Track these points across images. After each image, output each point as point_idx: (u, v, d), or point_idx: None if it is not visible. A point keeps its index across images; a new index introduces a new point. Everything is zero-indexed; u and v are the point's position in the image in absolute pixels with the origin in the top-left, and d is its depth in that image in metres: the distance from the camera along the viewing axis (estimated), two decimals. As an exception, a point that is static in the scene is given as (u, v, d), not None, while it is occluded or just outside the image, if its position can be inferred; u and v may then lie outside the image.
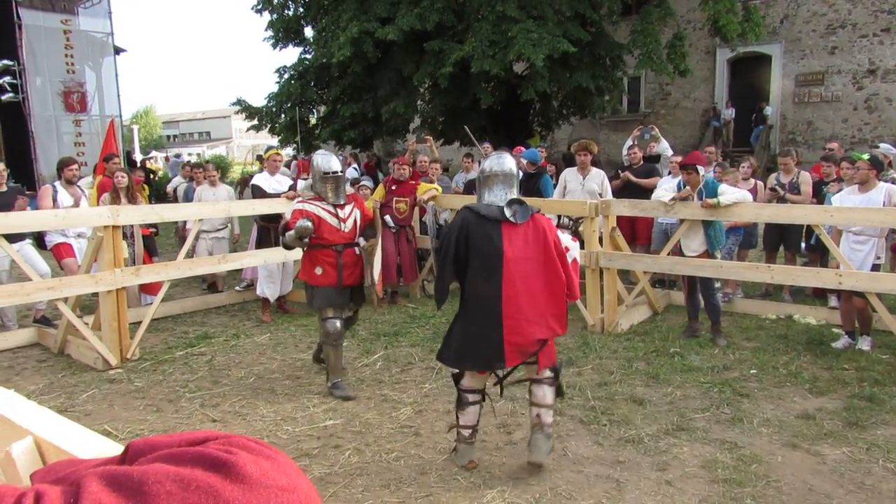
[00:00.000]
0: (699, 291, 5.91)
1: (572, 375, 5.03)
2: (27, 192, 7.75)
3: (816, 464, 3.62)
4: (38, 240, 6.91)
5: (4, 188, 6.38)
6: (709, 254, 5.77)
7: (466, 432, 3.61)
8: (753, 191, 6.94)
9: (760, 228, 7.55)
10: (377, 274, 4.77)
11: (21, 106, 14.38)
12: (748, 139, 19.29)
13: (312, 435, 4.10)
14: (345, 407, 4.53)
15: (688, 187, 5.77)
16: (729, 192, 5.61)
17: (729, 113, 19.72)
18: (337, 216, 4.77)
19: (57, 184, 6.67)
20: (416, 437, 4.03)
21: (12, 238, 5.56)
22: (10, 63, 14.10)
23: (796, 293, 7.23)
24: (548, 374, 3.57)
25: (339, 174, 4.87)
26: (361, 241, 4.94)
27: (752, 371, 5.06)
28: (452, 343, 3.51)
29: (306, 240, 4.65)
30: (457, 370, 3.65)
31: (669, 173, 7.48)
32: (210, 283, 8.05)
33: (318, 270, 4.74)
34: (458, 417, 3.64)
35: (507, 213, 3.41)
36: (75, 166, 6.77)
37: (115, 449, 0.85)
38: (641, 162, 7.92)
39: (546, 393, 3.57)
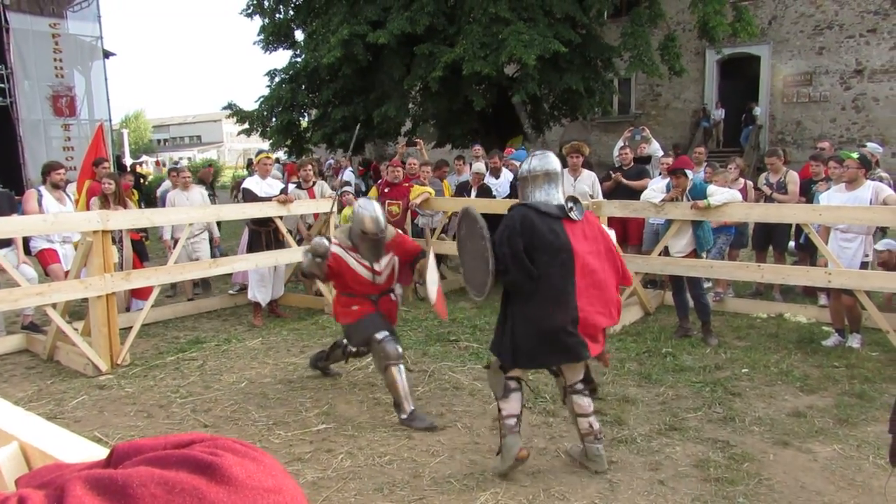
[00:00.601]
0: (687, 291, 5.94)
1: (565, 376, 5.04)
2: (16, 198, 7.69)
3: (808, 461, 3.64)
4: (23, 245, 6.84)
5: (-7, 193, 6.32)
6: (696, 254, 5.80)
7: (511, 421, 3.49)
8: (743, 191, 6.98)
9: (751, 228, 7.60)
10: (434, 294, 3.98)
11: (9, 110, 14.29)
12: (738, 139, 19.43)
13: (305, 439, 4.09)
14: (337, 411, 4.51)
15: (677, 189, 5.82)
16: (718, 193, 5.65)
17: (719, 113, 19.85)
18: (371, 269, 4.42)
19: (42, 188, 6.61)
20: (409, 441, 4.02)
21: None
22: (-2, 67, 14.01)
23: (786, 292, 7.27)
24: (581, 384, 3.56)
25: (380, 238, 4.38)
26: (397, 288, 4.73)
27: (743, 370, 5.09)
28: (521, 345, 3.40)
29: (321, 260, 4.34)
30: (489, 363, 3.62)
31: (660, 174, 7.51)
32: (203, 280, 7.99)
33: (355, 307, 4.42)
34: (500, 409, 3.55)
35: (567, 209, 3.43)
36: (62, 171, 6.72)
37: (101, 453, 0.84)
38: (632, 163, 7.95)
39: (588, 401, 3.56)
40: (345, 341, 4.75)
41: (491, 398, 4.53)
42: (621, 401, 4.53)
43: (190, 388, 5.02)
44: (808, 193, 6.92)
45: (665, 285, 7.58)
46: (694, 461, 3.66)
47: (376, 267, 4.45)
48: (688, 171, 5.86)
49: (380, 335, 4.30)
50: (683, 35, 17.38)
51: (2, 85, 14.12)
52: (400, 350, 4.32)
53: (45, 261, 6.56)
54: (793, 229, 7.19)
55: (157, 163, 34.80)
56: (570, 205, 3.45)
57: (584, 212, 3.53)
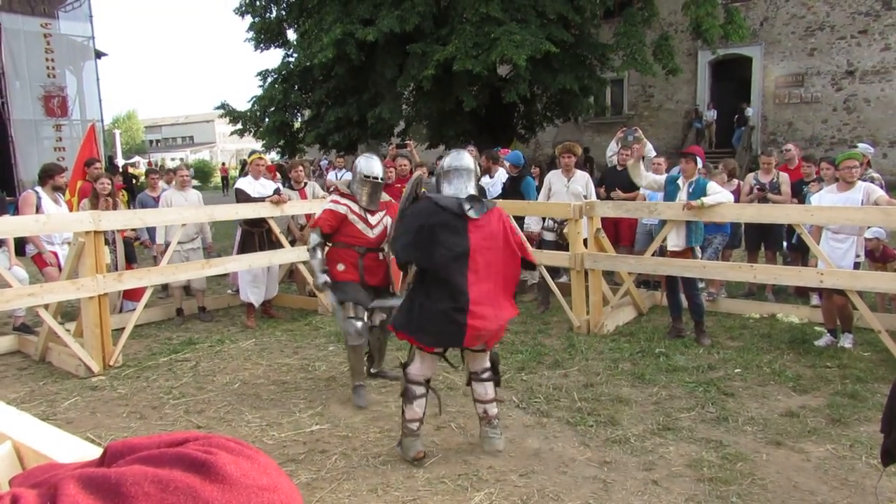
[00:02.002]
0: (681, 291, 5.96)
1: (559, 377, 5.05)
2: (7, 199, 7.65)
3: (801, 461, 3.65)
4: (18, 247, 6.79)
5: (-16, 194, 6.28)
6: (692, 251, 5.81)
7: (414, 426, 3.70)
8: (736, 191, 7.02)
9: (742, 228, 7.63)
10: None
11: (0, 111, 14.19)
12: (730, 140, 19.51)
13: (298, 440, 4.08)
14: (331, 412, 4.51)
15: (685, 173, 5.84)
16: (717, 192, 5.65)
17: (711, 114, 19.93)
18: (366, 220, 4.72)
19: (39, 190, 6.58)
20: (404, 441, 4.01)
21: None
22: (-11, 67, 13.92)
23: (779, 292, 7.30)
24: (487, 371, 3.78)
25: (379, 181, 4.76)
26: (387, 248, 4.86)
27: (736, 370, 5.11)
28: (415, 317, 3.58)
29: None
30: (405, 362, 3.80)
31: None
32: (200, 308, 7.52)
33: (341, 267, 4.71)
34: (404, 413, 3.72)
35: (465, 206, 3.57)
36: (63, 174, 6.70)
37: (94, 453, 0.84)
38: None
39: (487, 389, 3.78)
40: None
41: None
42: (615, 401, 4.54)
43: (183, 390, 5.00)
44: (800, 194, 6.96)
45: (658, 286, 7.61)
46: (687, 461, 3.67)
47: (371, 219, 4.73)
48: (698, 159, 5.88)
49: (349, 311, 4.62)
50: (676, 36, 17.46)
51: (-7, 85, 14.03)
52: (359, 327, 4.60)
53: (42, 263, 6.52)
54: (785, 230, 7.23)
55: (150, 163, 34.66)
56: (467, 205, 3.58)
57: (489, 208, 3.66)
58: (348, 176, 12.95)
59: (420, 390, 3.70)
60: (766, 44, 19.04)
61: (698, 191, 5.66)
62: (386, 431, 4.15)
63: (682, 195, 5.73)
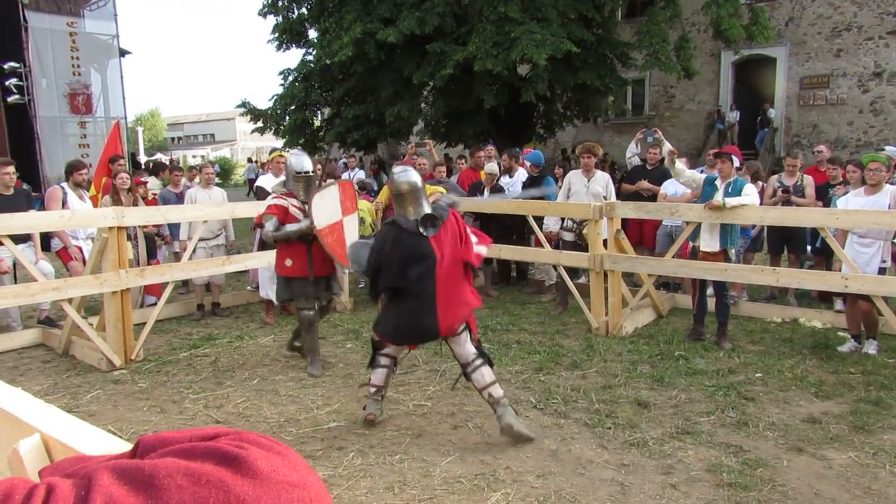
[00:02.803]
0: (711, 293, 5.87)
1: (577, 378, 5.02)
2: (33, 194, 7.77)
3: (822, 468, 3.60)
4: (44, 242, 6.91)
5: (11, 191, 6.38)
6: (724, 252, 5.70)
7: (373, 389, 4.18)
8: (759, 194, 6.92)
9: (765, 231, 7.53)
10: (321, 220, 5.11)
11: (27, 108, 14.44)
12: (753, 142, 19.27)
13: (316, 437, 4.10)
14: (348, 409, 4.53)
15: (721, 174, 5.73)
16: (750, 194, 5.56)
17: (734, 116, 19.69)
18: (305, 212, 5.09)
19: (65, 185, 6.69)
20: (420, 440, 4.02)
21: (16, 239, 5.57)
22: (17, 65, 14.16)
23: (801, 296, 7.20)
24: (476, 357, 3.99)
25: (311, 174, 5.26)
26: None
27: (757, 374, 5.04)
28: (392, 322, 4.02)
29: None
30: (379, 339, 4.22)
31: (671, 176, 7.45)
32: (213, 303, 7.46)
33: (289, 262, 5.09)
34: (371, 377, 4.22)
35: (422, 230, 3.89)
36: (85, 170, 6.82)
37: (121, 446, 0.85)
38: (658, 163, 7.87)
39: (483, 374, 3.96)
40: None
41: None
42: (633, 403, 4.50)
43: (202, 384, 5.05)
44: (825, 197, 6.86)
45: (678, 288, 7.54)
46: (707, 465, 3.63)
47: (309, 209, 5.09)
48: (735, 158, 5.77)
49: (301, 303, 5.17)
50: (698, 36, 17.28)
51: (20, 83, 14.27)
52: (313, 316, 5.23)
53: (66, 258, 6.63)
54: (809, 233, 7.12)
55: (171, 160, 35.03)
56: (422, 227, 3.89)
57: (446, 218, 3.97)
58: (361, 174, 13.00)
59: (385, 360, 4.21)
60: (791, 44, 18.77)
61: (735, 191, 5.57)
62: (403, 430, 4.16)
63: (719, 196, 5.62)
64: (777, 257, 7.38)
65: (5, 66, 14.07)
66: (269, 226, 4.98)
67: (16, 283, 6.30)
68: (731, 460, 3.68)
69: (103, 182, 7.48)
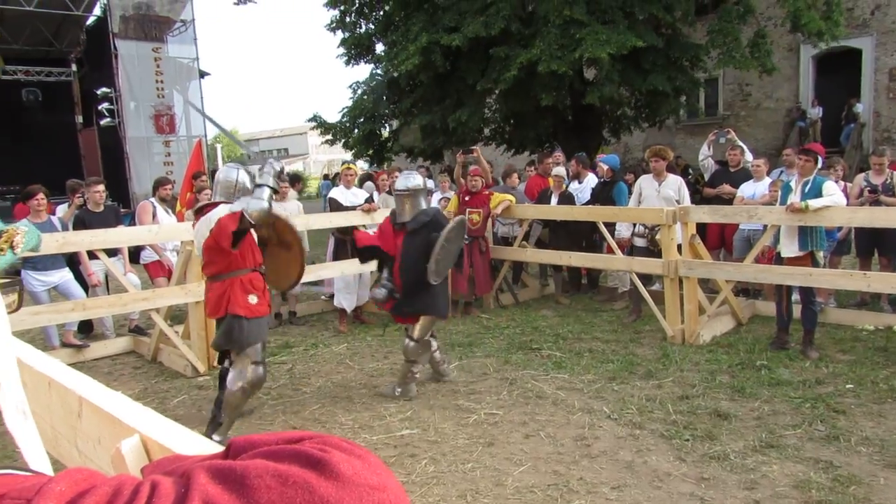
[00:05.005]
0: (792, 299, 5.59)
1: (652, 388, 4.89)
2: (122, 210, 8.28)
3: (924, 486, 3.36)
4: (132, 255, 7.33)
5: (102, 208, 6.82)
6: (810, 255, 5.41)
7: (417, 372, 5.00)
8: (843, 193, 6.54)
9: (852, 233, 7.12)
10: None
11: (117, 129, 15.40)
12: (838, 139, 18.27)
13: (389, 443, 4.16)
14: (421, 417, 4.57)
15: (803, 171, 5.44)
16: (832, 193, 5.27)
17: (816, 112, 18.73)
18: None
19: (154, 200, 7.10)
20: (491, 448, 4.01)
21: (107, 253, 5.97)
22: (108, 90, 15.14)
23: (896, 302, 6.76)
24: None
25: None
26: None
27: (847, 386, 4.76)
28: (446, 299, 5.10)
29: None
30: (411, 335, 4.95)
31: (752, 178, 7.17)
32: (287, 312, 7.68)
33: (253, 299, 4.04)
34: (413, 366, 4.93)
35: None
36: (170, 186, 7.22)
37: (211, 447, 0.90)
38: (740, 165, 7.60)
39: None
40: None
41: (575, 409, 4.51)
42: (713, 415, 4.34)
43: (280, 391, 5.22)
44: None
45: (759, 295, 7.23)
46: (793, 481, 3.46)
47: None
48: (819, 158, 5.48)
49: (257, 355, 4.17)
50: (775, 31, 16.53)
51: (111, 106, 15.24)
52: (262, 373, 4.23)
53: (155, 273, 7.02)
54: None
55: (249, 175, 36.32)
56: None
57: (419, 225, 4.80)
58: (431, 184, 13.11)
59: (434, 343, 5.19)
60: (878, 34, 17.70)
61: (813, 191, 5.28)
62: (475, 438, 4.16)
63: (796, 197, 5.36)
64: (867, 260, 6.95)
65: (98, 92, 15.07)
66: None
67: (108, 294, 6.71)
68: (821, 476, 3.49)
69: (188, 197, 7.88)
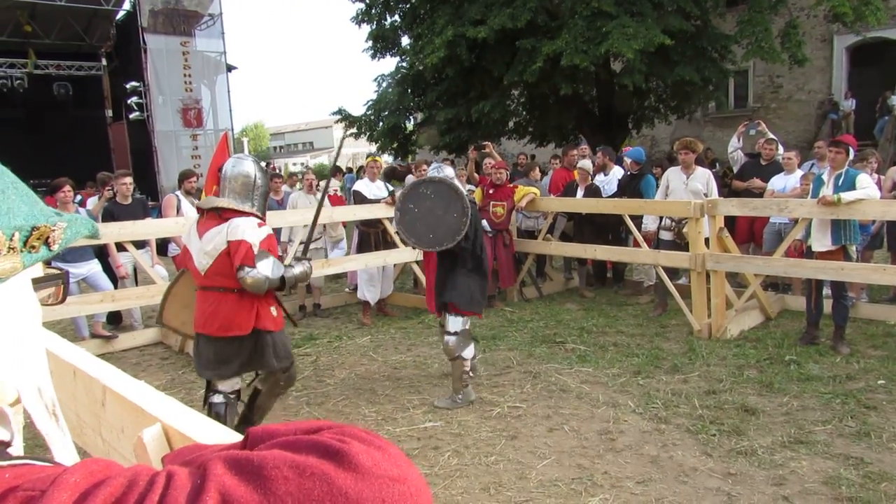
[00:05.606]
0: (822, 293, 5.46)
1: (678, 382, 4.83)
2: (150, 203, 8.40)
3: (960, 486, 3.27)
4: (159, 248, 7.43)
5: (130, 200, 6.92)
6: (842, 249, 5.28)
7: (469, 370, 4.74)
8: (877, 186, 6.37)
9: (885, 227, 6.93)
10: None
11: (145, 123, 15.64)
12: (871, 132, 17.80)
13: (412, 436, 4.17)
14: (444, 409, 4.57)
15: (834, 162, 5.30)
16: (866, 186, 5.14)
17: (849, 104, 18.28)
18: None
19: (179, 193, 7.18)
20: (515, 441, 4.00)
21: (135, 245, 6.07)
22: (137, 84, 15.38)
23: (932, 298, 6.57)
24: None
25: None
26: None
27: (879, 382, 4.65)
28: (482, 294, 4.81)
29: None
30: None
31: (783, 171, 7.02)
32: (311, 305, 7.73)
33: (274, 311, 3.74)
34: (464, 364, 4.64)
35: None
36: (194, 178, 7.28)
37: (232, 437, 0.90)
38: (773, 158, 7.45)
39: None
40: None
41: (599, 402, 4.47)
42: (740, 409, 4.27)
43: (304, 382, 5.26)
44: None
45: (788, 289, 7.10)
46: (823, 478, 3.39)
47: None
48: (850, 150, 5.34)
49: (292, 368, 3.97)
50: (807, 21, 16.14)
51: (140, 100, 15.48)
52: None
53: (180, 264, 7.10)
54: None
55: (273, 167, 36.74)
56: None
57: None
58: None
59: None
60: (915, 23, 17.19)
61: (847, 183, 5.15)
62: (498, 431, 4.15)
63: (828, 190, 5.23)
64: (902, 255, 6.77)
65: (128, 86, 15.31)
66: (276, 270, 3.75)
67: (136, 285, 6.82)
68: (851, 473, 3.41)
69: (214, 190, 7.96)
